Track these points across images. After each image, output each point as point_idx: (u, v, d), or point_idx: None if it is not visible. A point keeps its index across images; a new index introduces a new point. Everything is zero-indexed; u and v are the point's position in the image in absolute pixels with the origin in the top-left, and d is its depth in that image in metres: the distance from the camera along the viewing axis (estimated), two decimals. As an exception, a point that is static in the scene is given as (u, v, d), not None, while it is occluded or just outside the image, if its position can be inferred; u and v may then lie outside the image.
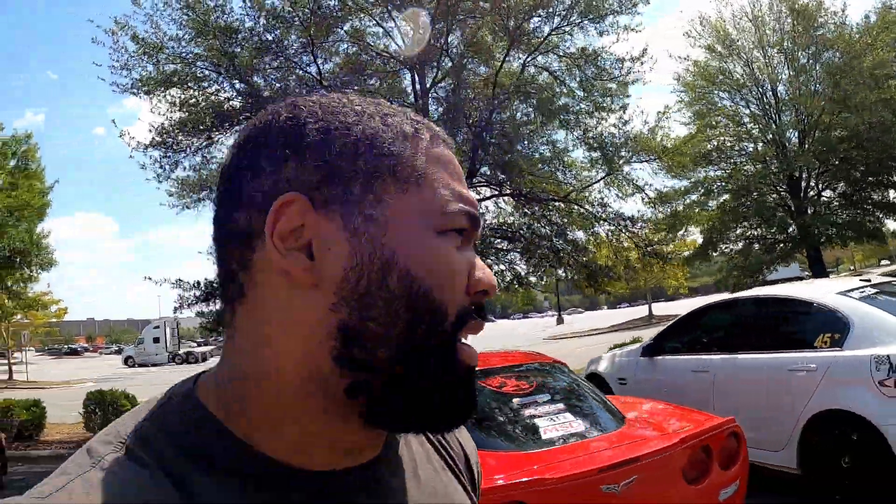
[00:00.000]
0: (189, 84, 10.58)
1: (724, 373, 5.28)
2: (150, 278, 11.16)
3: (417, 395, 0.52)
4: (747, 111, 18.14)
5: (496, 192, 12.63)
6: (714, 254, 20.11)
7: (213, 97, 10.75)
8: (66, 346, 66.44)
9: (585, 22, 10.69)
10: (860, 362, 4.19)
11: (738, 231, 19.08)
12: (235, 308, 0.54)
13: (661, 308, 47.18)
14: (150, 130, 10.51)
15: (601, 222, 12.00)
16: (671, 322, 6.70)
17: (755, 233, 18.40)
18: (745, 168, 18.29)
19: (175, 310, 10.96)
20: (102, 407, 10.46)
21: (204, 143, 11.10)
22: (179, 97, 10.52)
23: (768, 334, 5.24)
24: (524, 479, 2.88)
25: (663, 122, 11.84)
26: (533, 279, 13.60)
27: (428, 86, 11.50)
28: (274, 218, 0.51)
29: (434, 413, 0.54)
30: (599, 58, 10.99)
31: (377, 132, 0.54)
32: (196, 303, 10.92)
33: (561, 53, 11.25)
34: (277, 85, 10.64)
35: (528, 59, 11.11)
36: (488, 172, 11.88)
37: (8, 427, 10.46)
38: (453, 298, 0.53)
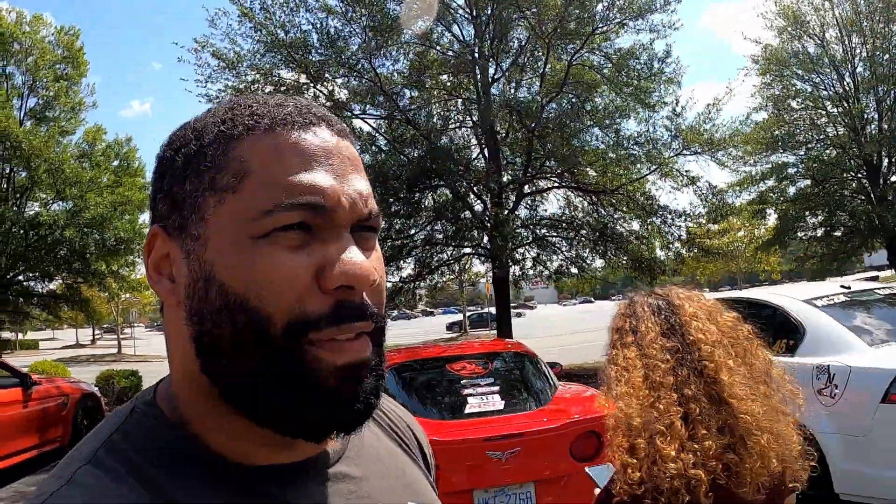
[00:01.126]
0: (268, 92, 11.57)
1: None
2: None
3: (271, 400, 0.52)
4: (825, 93, 17.38)
5: (555, 184, 13.04)
6: (791, 241, 19.47)
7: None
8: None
9: (627, 21, 10.87)
10: (804, 370, 4.28)
11: (817, 218, 18.38)
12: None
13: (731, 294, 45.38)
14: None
15: (649, 216, 12.18)
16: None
17: (833, 220, 17.68)
18: (824, 153, 17.59)
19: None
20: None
21: None
22: None
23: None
24: None
25: (714, 113, 11.80)
26: (595, 265, 13.95)
27: (491, 79, 12.07)
28: (147, 250, 0.57)
29: (300, 417, 0.52)
30: (642, 55, 11.14)
31: (200, 147, 0.55)
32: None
33: (606, 51, 11.47)
34: (350, 85, 11.59)
35: (574, 58, 11.40)
36: (547, 165, 12.28)
37: (109, 393, 12.12)
38: (279, 305, 0.51)
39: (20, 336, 44.98)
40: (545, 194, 13.36)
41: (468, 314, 37.74)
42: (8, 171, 15.17)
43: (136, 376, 12.56)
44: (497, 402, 4.23)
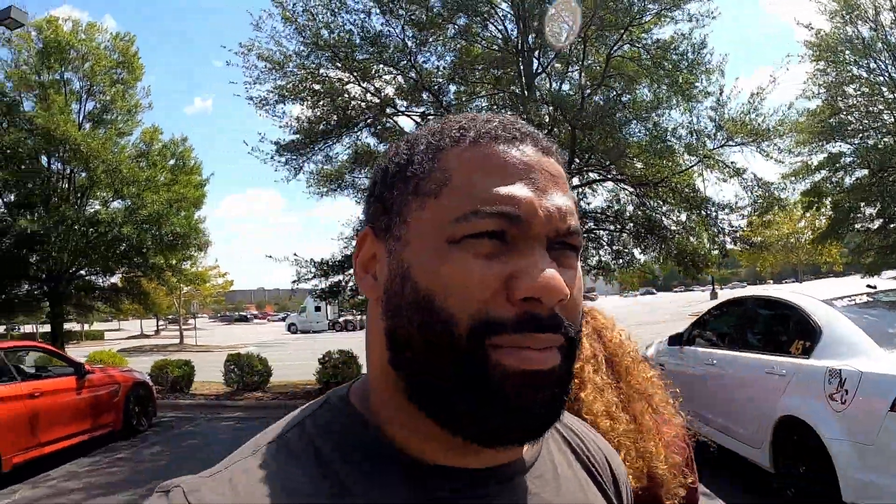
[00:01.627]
0: (315, 90, 11.68)
1: (723, 368, 5.62)
2: (270, 256, 12.87)
3: (450, 399, 0.53)
4: (880, 79, 16.64)
5: (601, 177, 12.97)
6: (847, 232, 18.76)
7: (339, 99, 11.87)
8: (236, 314, 73.51)
9: (665, 12, 10.70)
10: (818, 373, 4.27)
11: (874, 210, 17.65)
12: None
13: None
14: (285, 128, 12.03)
15: (694, 208, 11.98)
16: (701, 314, 7.03)
17: (890, 211, 16.94)
18: (881, 141, 16.85)
19: (293, 283, 12.56)
20: (239, 367, 12.37)
21: (332, 142, 12.47)
22: (310, 102, 11.73)
23: (760, 335, 5.51)
24: None
25: (758, 103, 11.48)
26: (645, 258, 13.83)
27: (534, 73, 12.09)
28: (357, 249, 0.62)
29: (474, 420, 0.53)
30: (680, 45, 10.94)
31: (410, 157, 0.59)
32: (313, 278, 12.47)
33: (644, 43, 11.30)
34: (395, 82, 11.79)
35: (614, 50, 11.27)
36: (592, 158, 12.21)
37: (164, 382, 12.72)
38: (465, 307, 0.53)
39: (86, 327, 47.32)
40: (592, 187, 13.30)
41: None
42: (69, 172, 15.98)
43: (189, 366, 13.10)
44: None
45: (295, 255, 12.16)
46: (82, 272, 17.12)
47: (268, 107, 11.55)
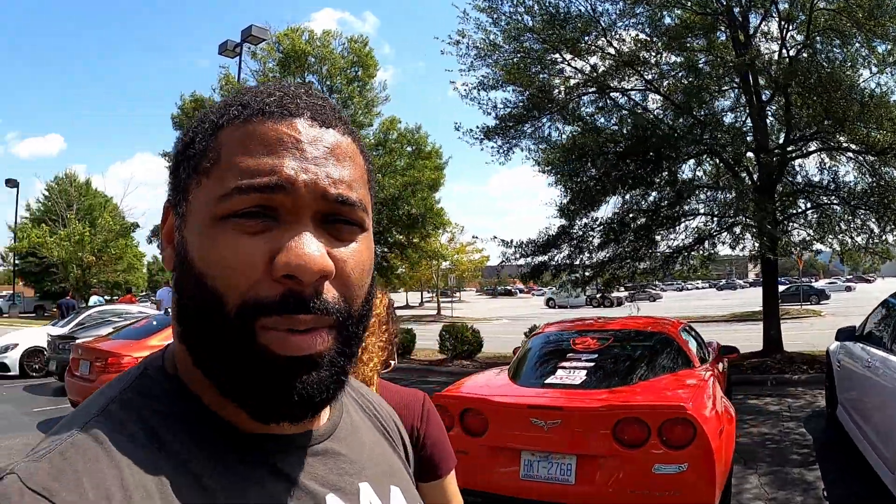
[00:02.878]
0: (523, 72, 11.86)
1: (875, 371, 4.74)
2: (476, 237, 13.58)
3: (224, 377, 0.55)
4: None
5: (828, 146, 11.31)
6: None
7: (547, 81, 12.05)
8: (501, 288, 77.13)
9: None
10: None
11: None
12: None
13: None
14: (490, 113, 12.53)
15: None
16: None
17: None
18: None
19: (499, 265, 13.12)
20: (452, 335, 13.36)
21: (544, 123, 12.67)
22: (525, 81, 11.81)
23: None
24: (479, 396, 4.25)
25: None
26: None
27: (748, 35, 11.00)
28: (162, 223, 0.63)
29: (245, 398, 0.55)
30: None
31: (195, 134, 0.59)
32: (519, 258, 12.87)
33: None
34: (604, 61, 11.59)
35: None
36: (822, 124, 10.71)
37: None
38: (231, 286, 0.53)
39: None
40: (819, 157, 11.63)
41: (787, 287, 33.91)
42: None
43: (410, 334, 14.43)
44: (578, 377, 4.38)
45: (494, 237, 12.66)
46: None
47: (473, 94, 12.04)
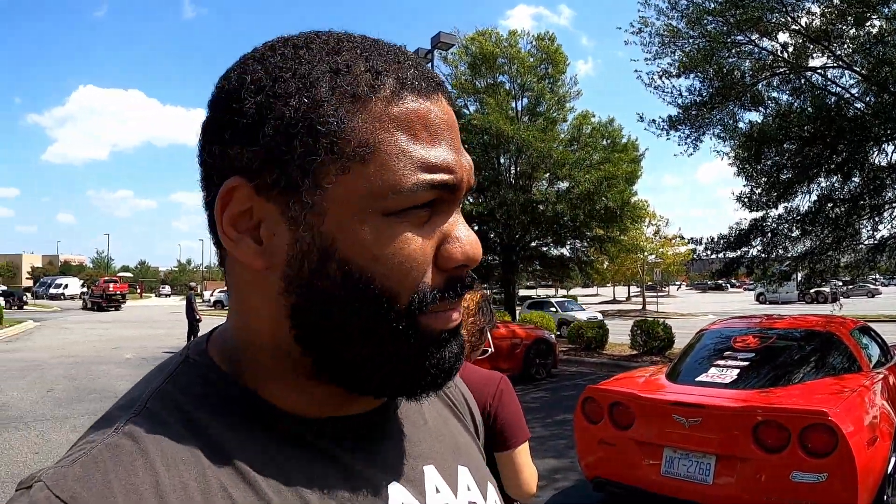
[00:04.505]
0: (709, 57, 11.50)
1: None
2: (682, 237, 13.14)
3: (380, 370, 0.53)
4: None
5: None
6: None
7: (733, 65, 11.49)
8: (711, 282, 72.70)
9: None
10: None
11: None
12: (226, 269, 0.57)
13: None
14: (673, 103, 12.12)
15: None
16: None
17: None
18: None
19: (690, 262, 12.65)
20: (644, 331, 13.19)
21: (731, 109, 12.02)
22: (713, 64, 11.35)
23: None
24: (627, 391, 4.36)
25: None
26: None
27: None
28: (222, 205, 0.51)
29: (396, 384, 0.54)
30: None
31: (317, 102, 0.49)
32: (711, 254, 12.32)
33: None
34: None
35: None
36: None
37: (580, 341, 14.41)
38: (406, 284, 0.50)
39: (561, 292, 53.69)
40: None
41: None
42: (508, 163, 19.13)
43: (603, 329, 14.47)
44: (729, 376, 4.33)
45: (680, 235, 12.22)
46: (532, 244, 20.21)
47: (657, 82, 11.76)
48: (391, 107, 0.50)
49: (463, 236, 0.53)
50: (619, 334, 15.24)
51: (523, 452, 1.92)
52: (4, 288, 51.08)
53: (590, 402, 4.49)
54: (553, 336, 12.28)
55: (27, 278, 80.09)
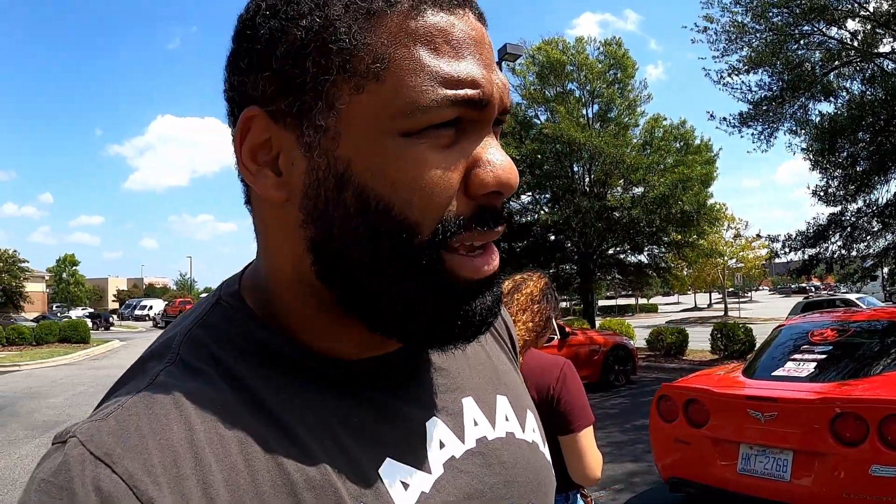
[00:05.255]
0: (777, 50, 11.31)
1: None
2: (760, 236, 12.81)
3: (402, 310, 0.49)
4: None
5: None
6: None
7: (802, 57, 11.21)
8: (793, 286, 69.78)
9: None
10: None
11: None
12: (251, 208, 0.55)
13: None
14: (744, 100, 11.87)
15: None
16: None
17: None
18: None
19: (766, 261, 12.30)
20: (724, 335, 12.87)
21: (802, 102, 11.71)
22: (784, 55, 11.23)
23: None
24: (701, 387, 4.37)
25: None
26: None
27: None
28: (240, 137, 0.50)
29: (429, 329, 0.50)
30: None
31: (330, 20, 0.46)
32: (791, 251, 11.94)
33: None
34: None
35: None
36: None
37: (659, 346, 14.18)
38: (428, 211, 0.47)
39: (641, 301, 52.46)
40: None
41: None
42: (582, 170, 19.02)
43: (683, 334, 14.18)
44: (806, 369, 4.27)
45: (759, 235, 11.92)
46: (609, 251, 19.98)
47: (728, 79, 11.58)
48: (409, 21, 0.46)
49: (496, 160, 0.48)
50: (700, 341, 14.88)
51: (587, 436, 1.93)
52: (92, 310, 54.34)
53: (665, 400, 4.47)
54: (632, 342, 12.16)
55: (113, 301, 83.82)
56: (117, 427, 0.44)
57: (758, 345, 12.10)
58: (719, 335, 12.99)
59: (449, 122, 0.46)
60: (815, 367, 4.24)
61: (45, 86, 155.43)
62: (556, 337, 2.10)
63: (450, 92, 0.45)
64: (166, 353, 0.51)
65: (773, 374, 4.38)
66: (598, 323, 17.97)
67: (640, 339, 14.79)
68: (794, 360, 4.44)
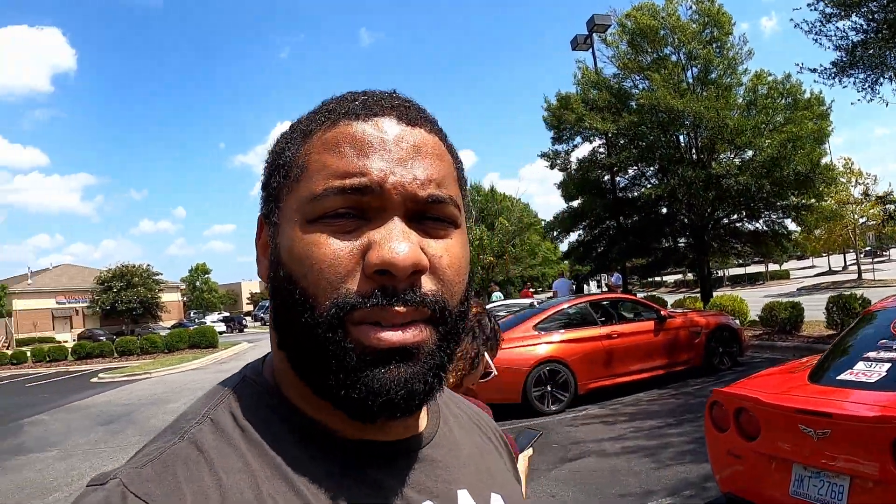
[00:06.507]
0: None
1: None
2: (882, 198, 11.53)
3: (318, 376, 0.55)
4: None
5: None
6: None
7: None
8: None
9: None
10: None
11: None
12: None
13: None
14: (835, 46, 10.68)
15: None
16: None
17: None
18: None
19: (884, 219, 11.01)
20: (839, 307, 11.79)
21: None
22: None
23: None
24: (750, 395, 3.83)
25: None
26: None
27: None
28: (257, 234, 0.65)
29: (339, 397, 0.54)
30: None
31: (282, 146, 0.62)
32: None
33: None
34: None
35: None
36: None
37: (772, 323, 13.00)
38: (321, 285, 0.53)
39: (774, 267, 48.70)
40: None
41: None
42: (686, 139, 17.88)
43: (798, 308, 12.92)
44: (877, 372, 3.59)
45: (884, 194, 10.70)
46: (724, 221, 18.73)
47: (821, 26, 10.48)
48: (326, 133, 0.58)
49: (385, 242, 0.53)
50: (819, 312, 13.52)
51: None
52: (227, 314, 58.10)
53: (717, 406, 4.03)
54: (737, 322, 11.38)
55: (247, 303, 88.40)
56: (154, 474, 0.51)
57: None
58: (834, 307, 11.87)
59: (349, 213, 0.55)
60: (887, 371, 3.50)
61: (168, 110, 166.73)
62: (493, 373, 1.90)
63: (338, 182, 0.55)
64: (197, 415, 0.59)
65: (840, 377, 3.69)
66: (713, 297, 16.92)
67: (755, 314, 13.85)
68: (866, 359, 3.71)
